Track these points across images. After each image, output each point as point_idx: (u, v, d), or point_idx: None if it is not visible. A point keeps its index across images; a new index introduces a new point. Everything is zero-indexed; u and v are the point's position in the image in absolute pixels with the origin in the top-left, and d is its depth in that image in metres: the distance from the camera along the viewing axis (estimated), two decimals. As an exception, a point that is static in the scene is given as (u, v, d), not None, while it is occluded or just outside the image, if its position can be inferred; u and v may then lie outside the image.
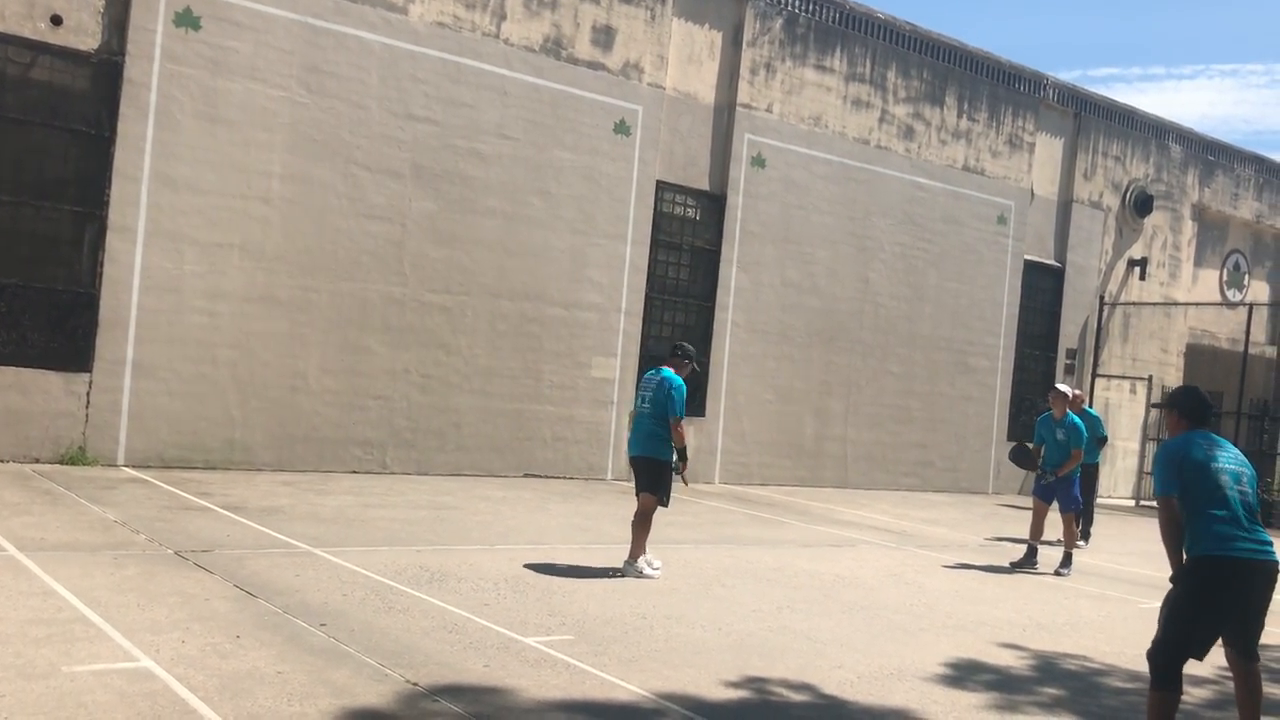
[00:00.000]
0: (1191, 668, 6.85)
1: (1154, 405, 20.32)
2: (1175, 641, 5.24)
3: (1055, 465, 11.40)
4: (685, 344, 9.50)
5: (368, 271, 13.70)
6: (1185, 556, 5.32)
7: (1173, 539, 5.37)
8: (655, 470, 8.90)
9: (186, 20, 12.36)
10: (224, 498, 10.66)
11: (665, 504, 8.97)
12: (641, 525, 8.82)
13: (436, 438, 14.29)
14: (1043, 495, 11.53)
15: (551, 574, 8.56)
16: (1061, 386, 12.03)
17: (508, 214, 14.70)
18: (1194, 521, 5.29)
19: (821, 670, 6.47)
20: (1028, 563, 11.35)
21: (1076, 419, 11.56)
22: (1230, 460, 5.42)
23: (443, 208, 14.20)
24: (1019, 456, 11.90)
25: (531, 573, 8.52)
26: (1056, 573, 11.13)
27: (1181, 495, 5.33)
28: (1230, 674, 7.38)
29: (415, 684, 5.48)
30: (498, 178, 14.59)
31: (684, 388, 8.94)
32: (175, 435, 12.45)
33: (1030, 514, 11.72)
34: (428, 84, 14.02)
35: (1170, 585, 5.36)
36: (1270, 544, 5.27)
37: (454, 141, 14.23)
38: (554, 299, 15.18)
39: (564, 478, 15.26)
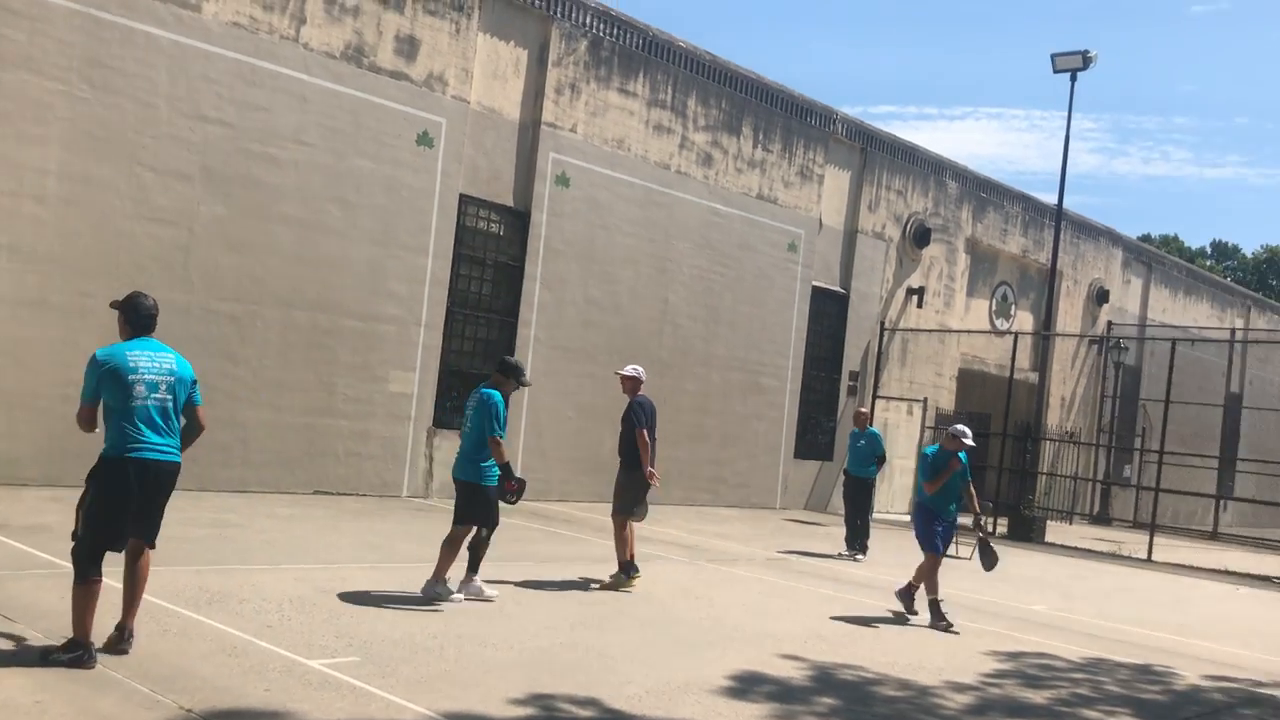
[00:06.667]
0: (959, 675, 7.33)
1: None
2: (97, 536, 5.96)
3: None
4: (509, 359, 9.40)
5: (151, 277, 13.01)
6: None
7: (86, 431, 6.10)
8: (468, 494, 8.77)
9: (-49, 2, 11.51)
10: (-19, 515, 9.92)
11: (488, 525, 8.80)
12: (449, 548, 8.68)
13: (220, 452, 13.70)
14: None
15: (340, 594, 8.36)
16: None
17: (304, 221, 14.30)
18: (109, 425, 6.00)
19: (610, 685, 6.58)
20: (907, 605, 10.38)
21: None
22: (151, 370, 6.18)
23: (234, 213, 13.69)
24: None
25: (319, 593, 8.31)
26: None
27: (105, 402, 6.02)
28: (989, 678, 7.97)
29: (189, 710, 5.27)
30: (294, 184, 14.18)
31: (502, 404, 8.77)
32: (-74, 448, 11.50)
33: (929, 565, 10.29)
34: (221, 85, 13.50)
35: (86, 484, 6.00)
36: (174, 447, 6.21)
37: (247, 145, 13.75)
38: (351, 310, 14.84)
39: (357, 494, 14.91)
